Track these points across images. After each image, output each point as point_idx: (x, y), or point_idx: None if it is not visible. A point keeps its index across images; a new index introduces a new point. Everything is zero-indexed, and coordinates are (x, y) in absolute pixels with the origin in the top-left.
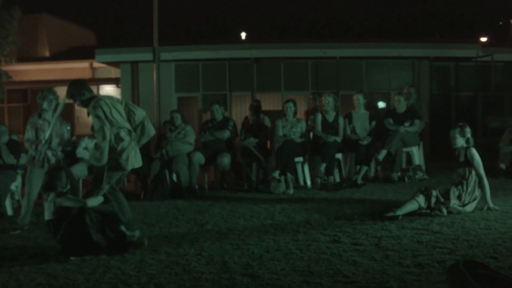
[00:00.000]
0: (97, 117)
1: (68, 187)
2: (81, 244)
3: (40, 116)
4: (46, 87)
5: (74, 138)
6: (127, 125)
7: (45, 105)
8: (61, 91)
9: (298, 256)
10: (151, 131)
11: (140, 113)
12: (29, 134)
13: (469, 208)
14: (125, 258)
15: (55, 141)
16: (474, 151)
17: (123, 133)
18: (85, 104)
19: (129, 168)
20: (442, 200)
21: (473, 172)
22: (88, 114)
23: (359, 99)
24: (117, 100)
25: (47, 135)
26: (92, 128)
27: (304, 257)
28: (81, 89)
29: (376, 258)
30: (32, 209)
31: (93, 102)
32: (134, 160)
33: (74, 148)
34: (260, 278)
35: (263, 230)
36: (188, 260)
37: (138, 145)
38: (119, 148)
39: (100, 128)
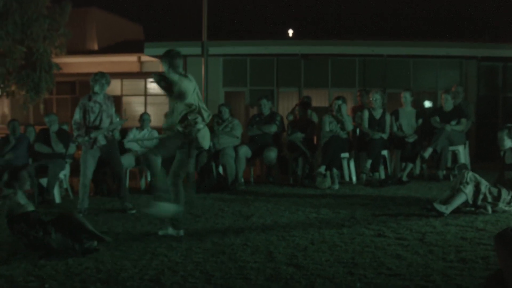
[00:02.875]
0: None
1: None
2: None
3: (90, 98)
4: (99, 71)
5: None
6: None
7: (96, 88)
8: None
9: (343, 248)
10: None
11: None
12: (77, 115)
13: None
14: (172, 246)
15: (105, 122)
16: None
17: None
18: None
19: (206, 146)
20: (490, 200)
21: None
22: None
23: (406, 97)
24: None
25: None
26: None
27: (348, 249)
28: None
29: (420, 253)
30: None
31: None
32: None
33: (122, 138)
34: (305, 268)
35: (308, 223)
36: (234, 250)
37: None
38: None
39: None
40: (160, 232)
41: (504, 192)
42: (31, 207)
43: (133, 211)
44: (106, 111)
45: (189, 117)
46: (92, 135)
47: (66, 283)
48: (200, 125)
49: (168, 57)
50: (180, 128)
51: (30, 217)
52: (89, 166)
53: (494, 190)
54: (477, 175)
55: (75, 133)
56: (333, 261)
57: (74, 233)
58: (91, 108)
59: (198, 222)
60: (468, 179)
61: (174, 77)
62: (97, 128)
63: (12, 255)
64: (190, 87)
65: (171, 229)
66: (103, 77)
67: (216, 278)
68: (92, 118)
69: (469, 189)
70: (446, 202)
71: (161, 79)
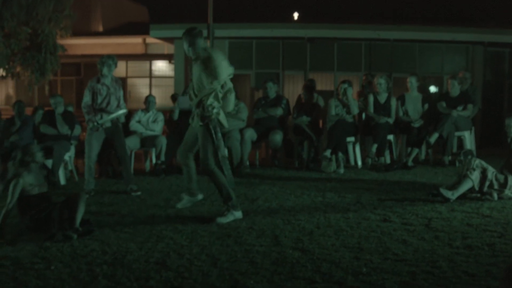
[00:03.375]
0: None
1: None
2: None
3: (98, 80)
4: (106, 54)
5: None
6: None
7: (104, 70)
8: None
9: (349, 233)
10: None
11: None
12: (87, 97)
13: None
14: (177, 229)
15: (113, 105)
16: None
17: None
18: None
19: (227, 125)
20: (497, 187)
21: None
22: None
23: (412, 82)
24: None
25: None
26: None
27: (354, 234)
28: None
29: (426, 238)
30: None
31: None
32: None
33: (127, 120)
34: (311, 253)
35: (313, 207)
36: (240, 233)
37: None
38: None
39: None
40: (179, 205)
41: (510, 178)
42: (44, 188)
43: (138, 193)
44: (114, 93)
45: (206, 103)
46: (100, 121)
47: (72, 265)
48: (216, 109)
49: (190, 36)
50: (198, 112)
51: (41, 199)
52: (94, 148)
53: (501, 177)
54: (483, 162)
55: (86, 117)
56: (339, 246)
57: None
58: (99, 91)
59: (203, 205)
60: (475, 166)
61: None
62: (104, 110)
63: (18, 236)
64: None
65: (187, 198)
66: (110, 58)
67: (222, 261)
68: (99, 101)
69: (475, 176)
70: (452, 188)
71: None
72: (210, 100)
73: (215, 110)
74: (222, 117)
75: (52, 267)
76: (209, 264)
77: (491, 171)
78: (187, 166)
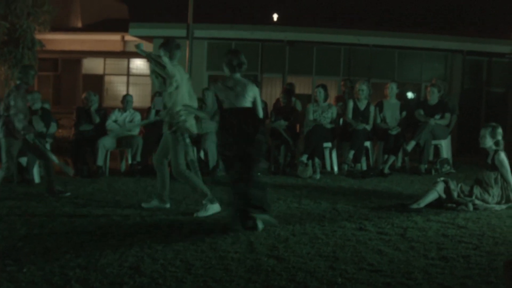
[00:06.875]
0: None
1: None
2: None
3: None
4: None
5: None
6: None
7: None
8: (91, 62)
9: (324, 241)
10: None
11: None
12: None
13: (499, 207)
14: (151, 232)
15: None
16: (503, 156)
17: None
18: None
19: (196, 131)
20: (463, 196)
21: (499, 176)
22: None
23: (392, 88)
24: None
25: None
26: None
27: (330, 242)
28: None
29: (401, 249)
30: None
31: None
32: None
33: (104, 120)
34: (286, 261)
35: (289, 213)
36: (214, 238)
37: None
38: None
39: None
40: (144, 205)
41: (476, 188)
42: None
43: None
44: None
45: (174, 110)
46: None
47: (45, 267)
48: (183, 117)
49: (169, 47)
50: (167, 119)
51: None
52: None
53: (466, 188)
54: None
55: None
56: (314, 254)
57: None
58: None
59: (178, 208)
60: (438, 179)
61: (166, 60)
62: None
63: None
64: (183, 76)
65: (155, 202)
66: None
67: (196, 267)
68: None
69: (439, 187)
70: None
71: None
72: (177, 108)
73: (181, 118)
74: (190, 124)
75: (24, 270)
76: (183, 270)
77: (454, 183)
78: (161, 172)
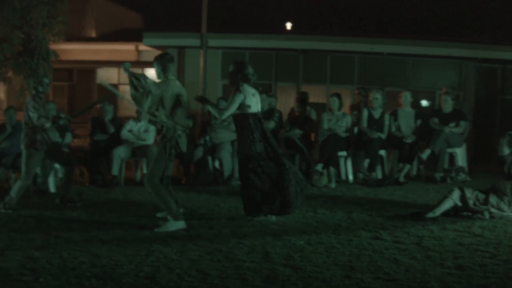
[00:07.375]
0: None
1: None
2: None
3: None
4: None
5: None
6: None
7: None
8: (106, 72)
9: (340, 250)
10: None
11: None
12: None
13: None
14: (167, 242)
15: None
16: None
17: None
18: None
19: (184, 150)
20: (479, 205)
21: None
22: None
23: (406, 97)
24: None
25: None
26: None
27: (345, 251)
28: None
29: (417, 258)
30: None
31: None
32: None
33: (118, 129)
34: (302, 270)
35: (305, 222)
36: (230, 248)
37: None
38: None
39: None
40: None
41: (492, 197)
42: None
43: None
44: None
45: (168, 124)
46: None
47: (61, 277)
48: (179, 131)
49: (162, 61)
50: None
51: None
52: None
53: (481, 196)
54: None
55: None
56: (330, 264)
57: None
58: None
59: (194, 217)
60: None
61: (150, 82)
62: None
63: (7, 247)
64: (172, 91)
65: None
66: None
67: (212, 277)
68: None
69: (455, 195)
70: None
71: (136, 77)
72: (171, 122)
73: (177, 132)
74: (182, 141)
75: (40, 280)
76: (199, 280)
77: (469, 191)
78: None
